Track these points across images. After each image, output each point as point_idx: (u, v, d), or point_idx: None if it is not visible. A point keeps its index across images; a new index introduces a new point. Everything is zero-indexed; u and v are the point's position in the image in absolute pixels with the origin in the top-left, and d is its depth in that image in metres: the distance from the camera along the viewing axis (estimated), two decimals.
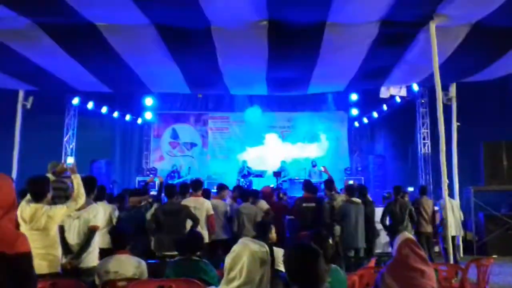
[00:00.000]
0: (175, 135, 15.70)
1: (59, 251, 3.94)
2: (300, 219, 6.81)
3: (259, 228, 3.91)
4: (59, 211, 3.85)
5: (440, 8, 5.45)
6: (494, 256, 6.99)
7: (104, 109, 13.28)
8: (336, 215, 6.57)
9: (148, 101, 14.02)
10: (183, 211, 5.85)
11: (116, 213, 5.89)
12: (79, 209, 4.19)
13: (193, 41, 6.27)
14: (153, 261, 5.01)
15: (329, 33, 5.95)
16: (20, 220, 3.73)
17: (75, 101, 12.30)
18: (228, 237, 6.70)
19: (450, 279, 4.37)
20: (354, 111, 14.91)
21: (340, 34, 6.04)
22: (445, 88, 7.81)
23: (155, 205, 6.17)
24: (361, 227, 6.47)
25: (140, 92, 12.95)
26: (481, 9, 5.48)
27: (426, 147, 12.58)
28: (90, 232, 4.34)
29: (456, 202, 8.34)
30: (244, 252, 3.13)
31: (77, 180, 4.08)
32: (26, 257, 2.35)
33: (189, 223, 5.81)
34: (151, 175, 12.57)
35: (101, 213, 4.64)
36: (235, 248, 3.23)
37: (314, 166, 12.84)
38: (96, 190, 4.83)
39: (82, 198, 4.02)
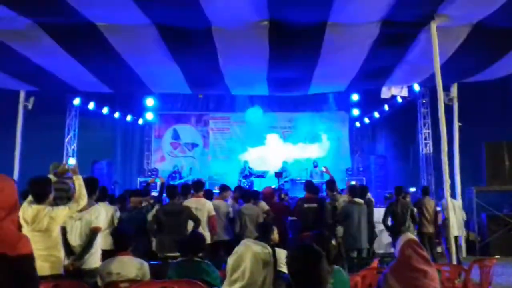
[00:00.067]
0: (176, 136, 15.70)
1: (61, 252, 3.94)
2: (302, 220, 6.81)
3: (261, 229, 3.91)
4: (61, 213, 3.85)
5: (441, 8, 5.44)
6: (496, 256, 6.97)
7: (105, 110, 13.28)
8: (338, 216, 6.56)
9: (149, 101, 14.03)
10: (184, 212, 5.85)
11: (118, 214, 5.89)
12: (81, 210, 4.19)
13: (194, 41, 6.26)
14: (155, 262, 5.00)
15: (330, 33, 5.94)
16: (22, 222, 3.73)
17: (76, 101, 12.31)
18: (230, 238, 6.70)
19: (453, 279, 4.36)
20: (355, 111, 14.89)
21: (341, 34, 6.03)
22: (446, 88, 7.79)
23: (156, 206, 6.17)
24: (364, 228, 6.46)
25: (141, 93, 12.95)
26: (482, 9, 5.47)
27: (427, 147, 12.56)
28: (92, 233, 4.33)
29: (458, 202, 8.33)
30: (247, 254, 3.12)
31: (78, 181, 4.07)
32: (28, 259, 2.34)
33: (190, 224, 5.81)
34: (153, 176, 12.59)
35: (103, 214, 4.63)
36: (237, 249, 3.22)
37: (315, 166, 12.83)
38: (97, 191, 4.82)
39: (84, 199, 4.01)
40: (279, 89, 9.04)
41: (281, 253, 3.28)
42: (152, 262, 4.32)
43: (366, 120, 15.01)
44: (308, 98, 12.99)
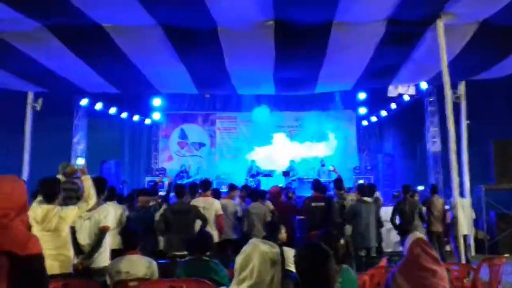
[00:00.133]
0: (183, 135, 15.74)
1: (70, 251, 3.97)
2: (309, 219, 6.80)
3: (269, 228, 3.91)
4: (71, 212, 3.88)
5: (447, 7, 5.41)
6: (506, 255, 6.93)
7: (112, 110, 13.34)
8: (346, 215, 6.55)
9: (156, 101, 14.07)
10: (192, 211, 5.87)
11: (126, 213, 5.92)
12: (90, 210, 4.22)
13: (200, 42, 6.28)
14: (163, 261, 5.03)
15: (336, 32, 5.93)
16: (31, 221, 3.76)
17: (84, 102, 12.38)
18: (237, 236, 6.72)
19: (462, 278, 4.34)
20: (362, 110, 14.84)
21: (347, 33, 6.01)
22: (453, 86, 7.75)
23: (164, 206, 6.20)
24: (373, 226, 6.45)
25: (148, 93, 13.00)
26: (488, 7, 5.45)
27: (435, 146, 12.48)
28: (101, 232, 4.36)
29: (467, 200, 8.28)
30: (255, 253, 3.12)
31: (87, 181, 4.10)
32: (38, 258, 2.36)
33: (198, 223, 5.83)
34: (160, 175, 12.64)
35: (112, 214, 4.66)
36: (245, 248, 3.23)
37: (323, 165, 12.81)
38: (106, 191, 4.85)
39: (92, 199, 4.04)
40: (285, 89, 9.04)
41: (289, 252, 3.28)
42: (160, 261, 4.34)
43: (374, 119, 14.94)
44: (314, 97, 12.94)
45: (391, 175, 13.66)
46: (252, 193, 7.14)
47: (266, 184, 11.75)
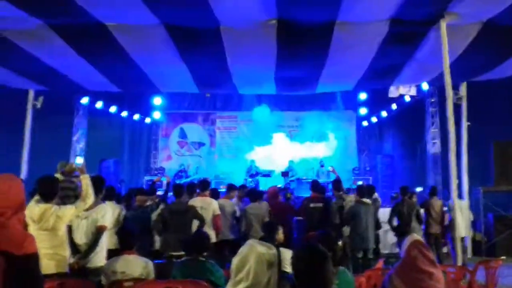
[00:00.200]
0: (183, 135, 15.73)
1: (67, 251, 3.96)
2: (307, 220, 6.79)
3: (267, 228, 3.91)
4: (68, 211, 3.87)
5: (451, 7, 5.40)
6: (502, 257, 6.92)
7: (113, 109, 13.34)
8: (345, 216, 6.54)
9: (157, 100, 14.06)
10: (189, 211, 5.86)
11: (124, 213, 5.91)
12: (87, 209, 4.21)
13: (202, 41, 6.28)
14: (159, 261, 5.02)
15: (339, 31, 5.92)
16: (28, 220, 3.75)
17: (84, 100, 12.37)
18: (235, 237, 6.70)
19: (458, 281, 4.33)
20: (363, 111, 14.82)
21: (349, 33, 6.00)
22: (455, 87, 7.73)
23: (161, 205, 6.19)
24: (371, 228, 6.45)
25: (148, 92, 13.00)
26: (492, 7, 5.43)
27: (435, 147, 12.47)
28: (98, 232, 4.35)
29: (465, 202, 8.27)
30: (251, 255, 3.12)
31: (86, 180, 4.09)
32: (33, 258, 2.36)
33: (195, 223, 5.82)
34: (159, 175, 12.62)
35: (109, 213, 4.65)
36: (242, 250, 3.22)
37: (322, 166, 12.80)
38: (104, 190, 4.84)
39: (90, 198, 4.03)
40: (286, 88, 9.03)
41: (286, 254, 3.28)
42: (156, 261, 4.33)
43: (374, 120, 14.92)
44: (315, 97, 12.93)
45: (390, 176, 13.65)
46: (250, 193, 7.13)
47: (265, 184, 11.74)
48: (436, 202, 7.72)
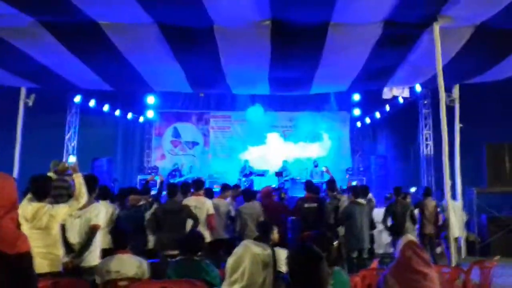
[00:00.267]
0: (176, 134, 15.69)
1: (60, 250, 3.93)
2: (302, 220, 6.80)
3: (261, 228, 3.90)
4: (61, 210, 3.84)
5: (444, 9, 5.42)
6: (497, 257, 6.97)
7: (106, 107, 13.27)
8: (340, 216, 6.55)
9: (150, 99, 14.02)
10: (183, 211, 5.84)
11: (117, 212, 5.88)
12: (81, 208, 4.18)
13: (196, 40, 6.25)
14: (153, 260, 5.00)
15: (333, 33, 5.92)
16: (21, 219, 3.71)
17: (77, 99, 12.29)
18: (230, 236, 6.69)
19: (453, 281, 4.35)
20: (357, 111, 14.89)
21: (343, 34, 6.01)
22: (448, 90, 7.77)
23: (155, 205, 6.16)
24: (366, 228, 6.47)
25: (142, 91, 12.94)
26: (486, 10, 5.45)
27: (428, 148, 12.55)
28: (92, 231, 4.33)
29: (459, 203, 8.31)
30: (246, 255, 3.11)
31: (78, 179, 4.07)
32: (27, 257, 2.34)
33: (189, 223, 5.80)
34: (152, 174, 12.58)
35: (103, 213, 4.62)
36: (237, 250, 3.21)
37: (316, 166, 12.82)
38: (97, 189, 4.80)
39: (84, 197, 4.00)
40: (280, 89, 9.02)
41: (281, 254, 3.27)
42: (150, 261, 4.31)
43: (367, 120, 14.98)
44: (309, 98, 12.97)
45: (383, 177, 13.70)
46: (244, 193, 7.12)
47: (259, 184, 11.76)
48: (430, 203, 7.75)
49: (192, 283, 3.41)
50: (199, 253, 3.81)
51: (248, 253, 3.12)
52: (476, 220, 9.97)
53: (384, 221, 7.25)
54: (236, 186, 7.81)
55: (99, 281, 3.81)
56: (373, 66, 7.21)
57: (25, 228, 3.66)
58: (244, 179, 12.55)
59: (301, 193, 8.53)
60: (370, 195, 7.46)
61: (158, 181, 7.09)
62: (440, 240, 8.02)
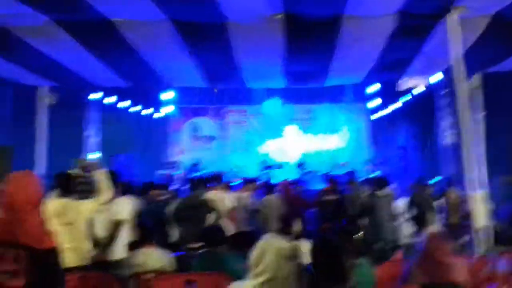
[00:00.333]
0: (194, 129, 15.76)
1: (87, 244, 4.01)
2: (321, 212, 6.80)
3: (283, 221, 3.90)
4: (87, 206, 3.92)
5: (458, 0, 5.34)
6: None
7: (125, 104, 13.38)
8: (362, 208, 6.52)
9: (168, 95, 14.07)
10: (204, 205, 5.89)
11: (140, 206, 5.94)
12: (105, 203, 4.25)
13: (209, 36, 6.26)
14: (177, 253, 5.05)
15: (346, 25, 5.87)
16: (48, 215, 3.79)
17: (97, 96, 12.41)
18: (252, 229, 6.72)
19: (479, 271, 4.29)
20: (374, 103, 14.71)
21: (357, 27, 5.95)
22: (467, 79, 7.63)
23: (176, 199, 6.22)
24: (388, 219, 6.43)
25: (158, 87, 13.01)
26: (499, 1, 5.36)
27: (449, 138, 12.33)
28: (116, 225, 4.40)
29: (484, 192, 8.17)
30: (270, 248, 3.11)
31: (101, 175, 4.13)
32: (54, 252, 2.39)
33: (211, 217, 5.84)
34: (172, 169, 12.68)
35: (127, 207, 4.69)
36: (260, 244, 3.21)
37: (335, 158, 12.76)
38: (119, 185, 4.87)
39: (107, 193, 4.07)
40: (296, 82, 9.00)
41: (304, 246, 3.27)
42: (175, 254, 4.36)
43: (386, 111, 14.80)
44: (325, 90, 12.83)
45: (404, 168, 13.56)
46: (264, 186, 7.15)
47: (278, 177, 11.75)
48: (454, 193, 7.64)
49: (216, 275, 3.44)
50: (223, 246, 3.83)
51: (271, 246, 3.13)
52: (503, 209, 9.78)
53: (406, 212, 7.18)
54: (254, 180, 7.84)
55: (126, 274, 3.87)
56: (388, 58, 7.16)
57: (53, 223, 3.74)
58: (263, 172, 12.56)
59: (320, 186, 8.51)
60: (390, 186, 7.40)
61: (178, 176, 7.15)
62: (465, 230, 7.91)
